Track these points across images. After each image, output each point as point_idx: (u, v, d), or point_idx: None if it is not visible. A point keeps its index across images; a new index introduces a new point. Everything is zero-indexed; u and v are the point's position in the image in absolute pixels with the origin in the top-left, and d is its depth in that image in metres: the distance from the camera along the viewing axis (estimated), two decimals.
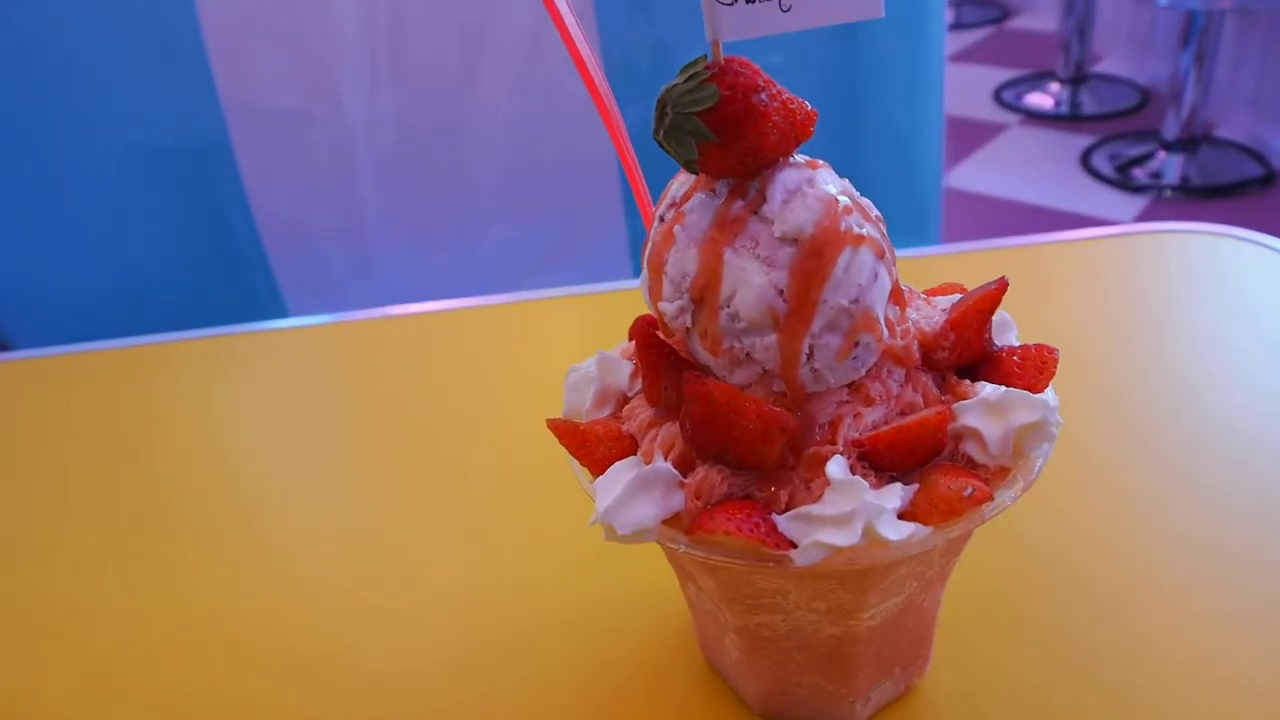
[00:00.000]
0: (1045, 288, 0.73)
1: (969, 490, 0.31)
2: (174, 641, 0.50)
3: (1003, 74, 3.83)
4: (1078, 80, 3.61)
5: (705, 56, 0.31)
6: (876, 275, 0.32)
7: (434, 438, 0.64)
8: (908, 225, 1.23)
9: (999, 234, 0.80)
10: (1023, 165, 3.17)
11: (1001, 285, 0.36)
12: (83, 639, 0.51)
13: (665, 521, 0.32)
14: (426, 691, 0.45)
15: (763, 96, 0.30)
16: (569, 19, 0.38)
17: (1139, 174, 3.08)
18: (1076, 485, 0.53)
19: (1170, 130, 3.08)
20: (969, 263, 0.79)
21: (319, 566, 0.55)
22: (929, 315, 0.36)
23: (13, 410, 0.73)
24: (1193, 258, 0.75)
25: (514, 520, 0.55)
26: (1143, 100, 3.57)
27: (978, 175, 3.04)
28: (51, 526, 0.60)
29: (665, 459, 0.33)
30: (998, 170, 2.98)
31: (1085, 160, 3.17)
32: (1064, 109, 3.53)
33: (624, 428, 0.36)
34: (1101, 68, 3.75)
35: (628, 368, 0.38)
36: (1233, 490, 0.52)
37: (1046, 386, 0.35)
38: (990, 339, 0.37)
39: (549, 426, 0.35)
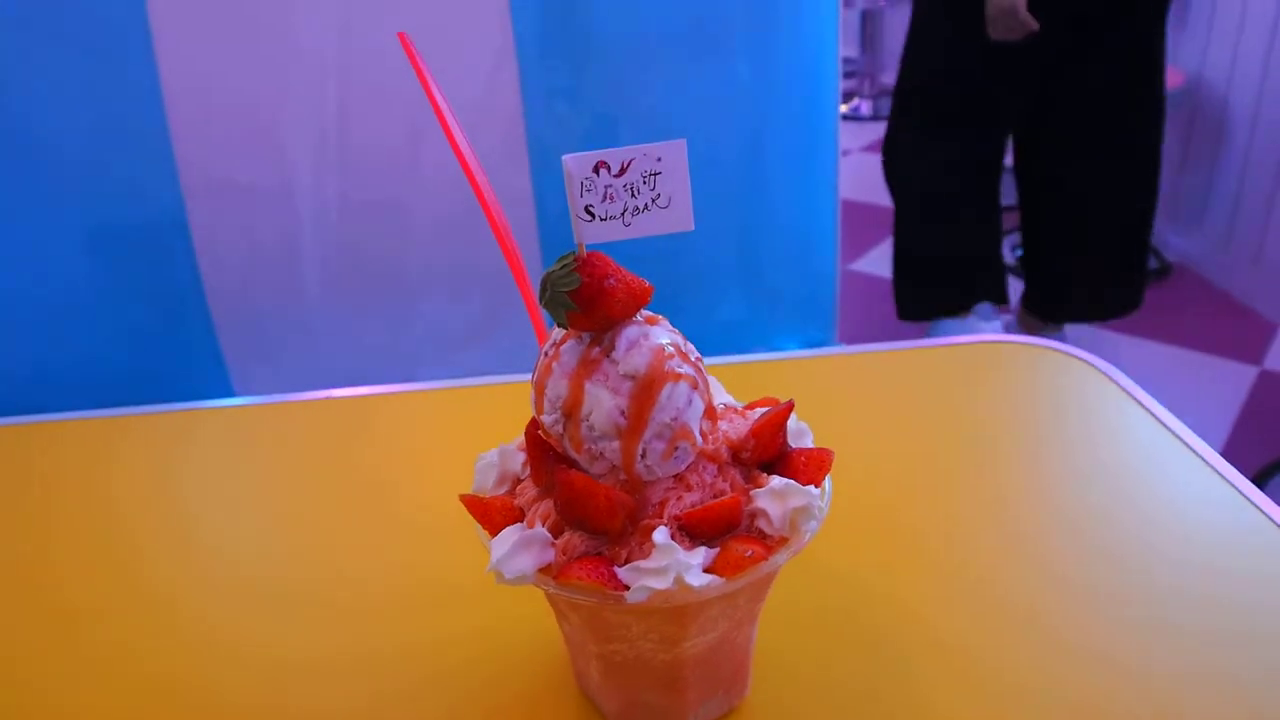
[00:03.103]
0: (901, 386, 0.88)
1: (749, 552, 0.45)
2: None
3: None
4: None
5: (574, 251, 0.45)
6: (691, 401, 0.46)
7: (360, 507, 0.76)
8: (807, 311, 1.36)
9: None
10: None
11: (788, 406, 0.50)
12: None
13: (540, 570, 0.46)
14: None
15: (611, 281, 0.44)
16: (474, 167, 0.52)
17: None
18: (875, 546, 0.67)
19: None
20: (845, 364, 0.94)
21: (237, 619, 0.65)
22: (739, 426, 0.50)
23: None
24: (1025, 370, 0.90)
25: (423, 581, 0.68)
26: None
27: (881, 260, 3.17)
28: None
29: (542, 525, 0.47)
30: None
31: None
32: None
33: (515, 502, 0.49)
34: (1007, 160, 3.94)
35: (520, 457, 0.52)
36: (1005, 550, 0.66)
37: (823, 480, 0.50)
38: (786, 442, 0.51)
39: (461, 500, 0.49)
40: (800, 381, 0.87)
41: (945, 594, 0.63)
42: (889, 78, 4.79)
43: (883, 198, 3.59)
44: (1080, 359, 0.89)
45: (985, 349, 0.95)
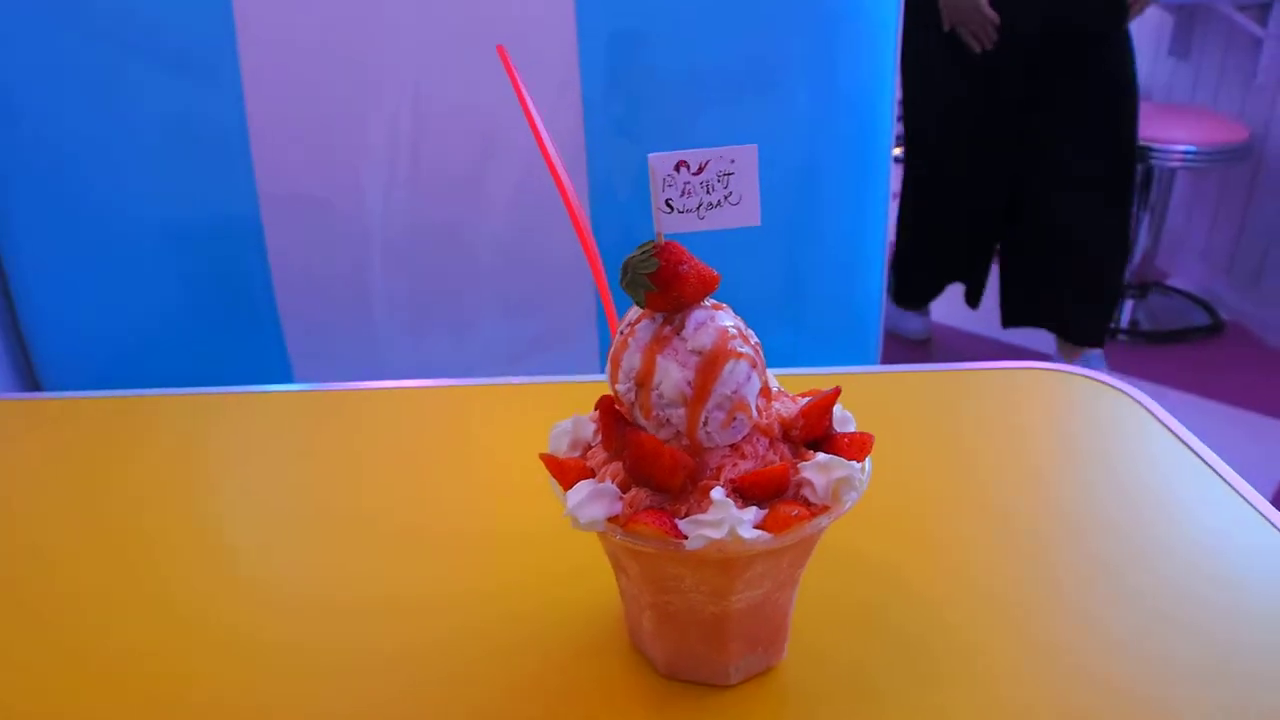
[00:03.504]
0: (940, 406, 0.94)
1: (795, 512, 0.51)
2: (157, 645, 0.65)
3: None
4: None
5: (654, 240, 0.51)
6: (750, 378, 0.53)
7: (416, 486, 0.82)
8: (850, 348, 1.41)
9: (947, 359, 1.00)
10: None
11: (835, 391, 0.56)
12: (75, 628, 0.66)
13: (609, 519, 0.52)
14: (391, 680, 0.61)
15: (685, 267, 0.51)
16: (563, 176, 0.59)
17: None
18: (909, 546, 0.73)
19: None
20: (883, 381, 1.00)
21: (297, 586, 0.70)
22: (790, 407, 0.57)
23: (39, 440, 0.91)
24: (1064, 398, 0.94)
25: (481, 544, 0.74)
26: None
27: (935, 305, 3.20)
28: (49, 542, 0.75)
29: (612, 482, 0.53)
30: (945, 298, 3.13)
31: None
32: None
33: (587, 464, 0.56)
34: None
35: (591, 427, 0.58)
36: (1064, 578, 0.71)
37: (864, 458, 0.56)
38: (831, 426, 0.57)
39: (540, 458, 0.56)
40: (844, 396, 0.91)
41: (971, 603, 0.67)
42: None
43: None
44: (1119, 389, 0.93)
45: (1025, 375, 0.99)
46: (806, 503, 0.53)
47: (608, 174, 1.24)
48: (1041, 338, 3.01)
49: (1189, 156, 2.93)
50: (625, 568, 0.57)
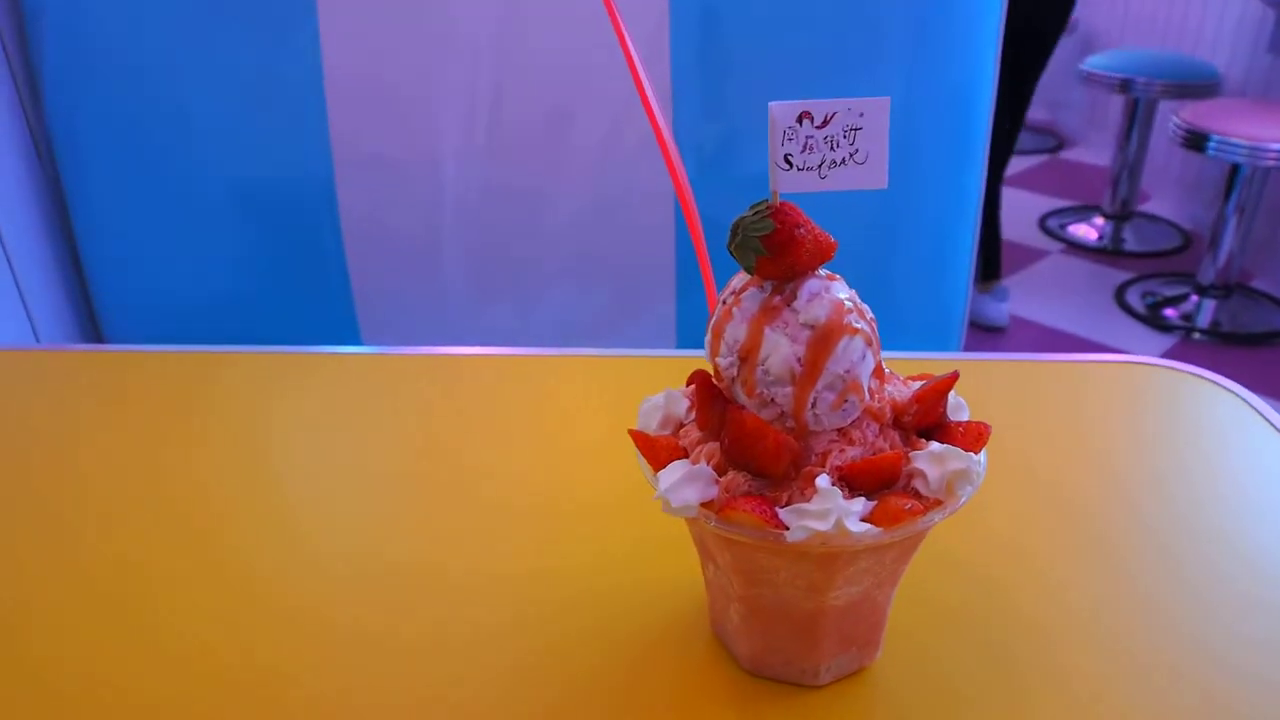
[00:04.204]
0: (1036, 399, 0.88)
1: (909, 505, 0.47)
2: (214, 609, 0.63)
3: (1051, 202, 3.95)
4: (1122, 217, 3.71)
5: (767, 199, 0.47)
6: (864, 356, 0.48)
7: (488, 460, 0.78)
8: (933, 334, 1.36)
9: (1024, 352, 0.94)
10: (1059, 293, 3.26)
11: (953, 375, 0.51)
12: (131, 598, 0.64)
13: (702, 504, 0.48)
14: (467, 659, 0.58)
15: (802, 231, 0.46)
16: (666, 133, 0.54)
17: (1170, 314, 3.16)
18: (1006, 550, 0.68)
19: (1206, 275, 3.16)
20: (975, 368, 0.94)
21: (363, 556, 0.67)
22: (902, 390, 0.52)
23: (101, 393, 0.89)
24: (1183, 397, 0.87)
25: (561, 521, 0.70)
26: (1183, 243, 3.65)
27: (1014, 297, 3.14)
28: (107, 500, 0.73)
29: (707, 464, 0.49)
30: (1033, 295, 3.08)
31: (1120, 295, 3.26)
32: (1106, 243, 3.63)
33: (680, 442, 0.52)
34: (1147, 207, 3.87)
35: (685, 403, 0.54)
36: (1145, 563, 0.66)
37: (980, 450, 0.51)
38: (945, 413, 0.52)
39: (630, 434, 0.51)
40: None
41: (1066, 618, 0.62)
42: (1033, 111, 4.72)
43: (1018, 234, 3.58)
44: (1230, 390, 0.87)
45: (1123, 369, 0.93)
46: (918, 495, 0.49)
47: (690, 145, 1.20)
48: (1120, 332, 2.93)
49: None
50: (714, 556, 0.53)
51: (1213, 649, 0.59)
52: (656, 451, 0.50)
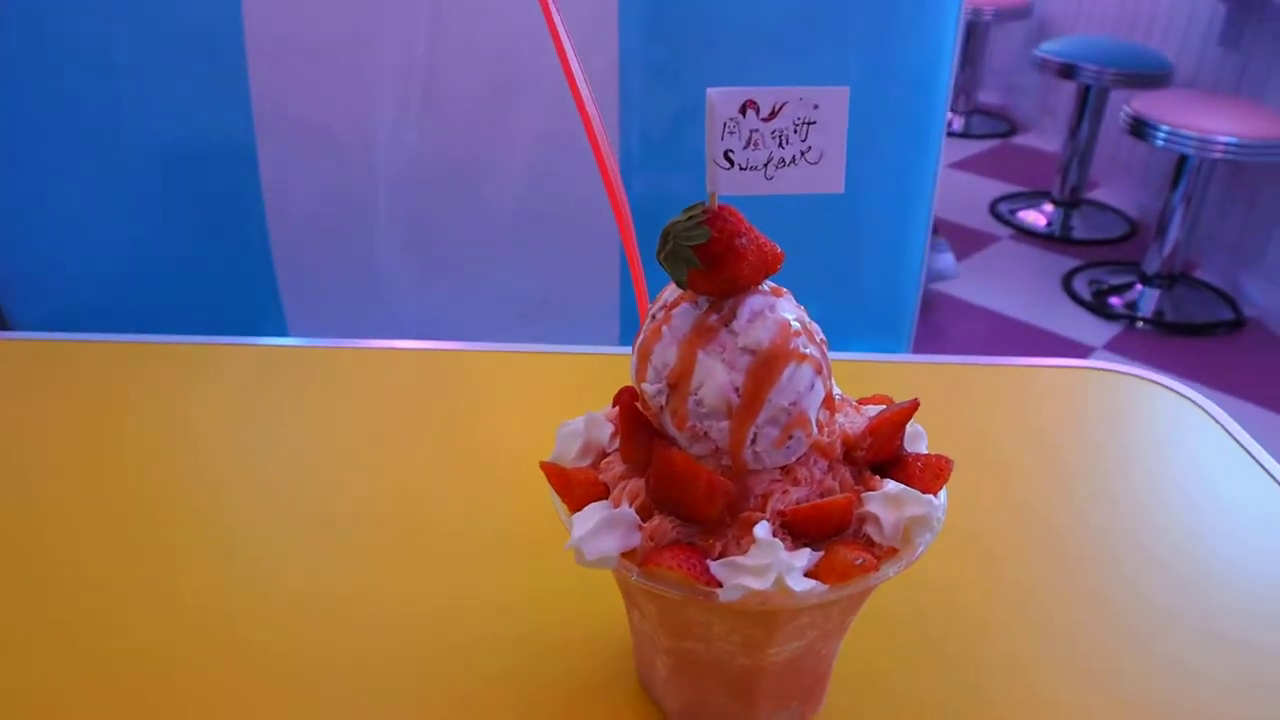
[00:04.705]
0: (985, 405, 0.82)
1: (860, 560, 0.40)
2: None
3: (1002, 187, 3.94)
4: (1072, 204, 3.71)
5: (703, 202, 0.40)
6: (813, 386, 0.41)
7: (412, 469, 0.72)
8: (884, 326, 1.31)
9: (971, 340, 0.89)
10: (1007, 278, 3.25)
11: (913, 404, 0.45)
12: (40, 594, 0.59)
13: (623, 554, 0.41)
14: (367, 697, 0.53)
15: (743, 240, 0.39)
16: (595, 122, 0.48)
17: (1116, 302, 3.16)
18: (972, 574, 0.62)
19: (1151, 264, 3.16)
20: (922, 373, 0.89)
21: (288, 576, 0.61)
22: (854, 420, 0.46)
23: (5, 385, 0.81)
24: (1128, 403, 0.83)
25: (478, 551, 0.63)
26: (1130, 231, 3.66)
27: (961, 281, 3.13)
28: (23, 500, 0.67)
29: (630, 506, 0.42)
30: (982, 280, 3.06)
31: (1067, 282, 3.25)
32: (1054, 229, 3.63)
33: (600, 477, 0.45)
34: (1095, 195, 3.87)
35: (609, 429, 0.47)
36: (1110, 593, 0.61)
37: (940, 489, 0.45)
38: (902, 445, 0.46)
39: (541, 467, 0.44)
40: (878, 386, 0.81)
41: (1027, 630, 0.58)
42: (986, 95, 4.71)
43: (968, 218, 3.55)
44: (1171, 389, 0.83)
45: (1067, 374, 0.89)
46: (870, 544, 0.42)
47: (639, 122, 1.13)
48: (1066, 320, 2.92)
49: (1230, 148, 2.82)
50: (639, 605, 0.47)
51: (1166, 649, 0.55)
52: (572, 489, 0.44)
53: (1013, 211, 3.69)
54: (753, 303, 0.41)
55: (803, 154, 0.39)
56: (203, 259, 1.21)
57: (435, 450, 0.74)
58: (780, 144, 0.39)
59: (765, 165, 0.39)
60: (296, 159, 1.16)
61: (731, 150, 0.39)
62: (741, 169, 0.39)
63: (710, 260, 0.40)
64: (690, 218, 0.40)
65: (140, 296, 1.22)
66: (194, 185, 1.18)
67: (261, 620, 0.58)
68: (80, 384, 0.82)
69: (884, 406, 0.47)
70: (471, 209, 1.21)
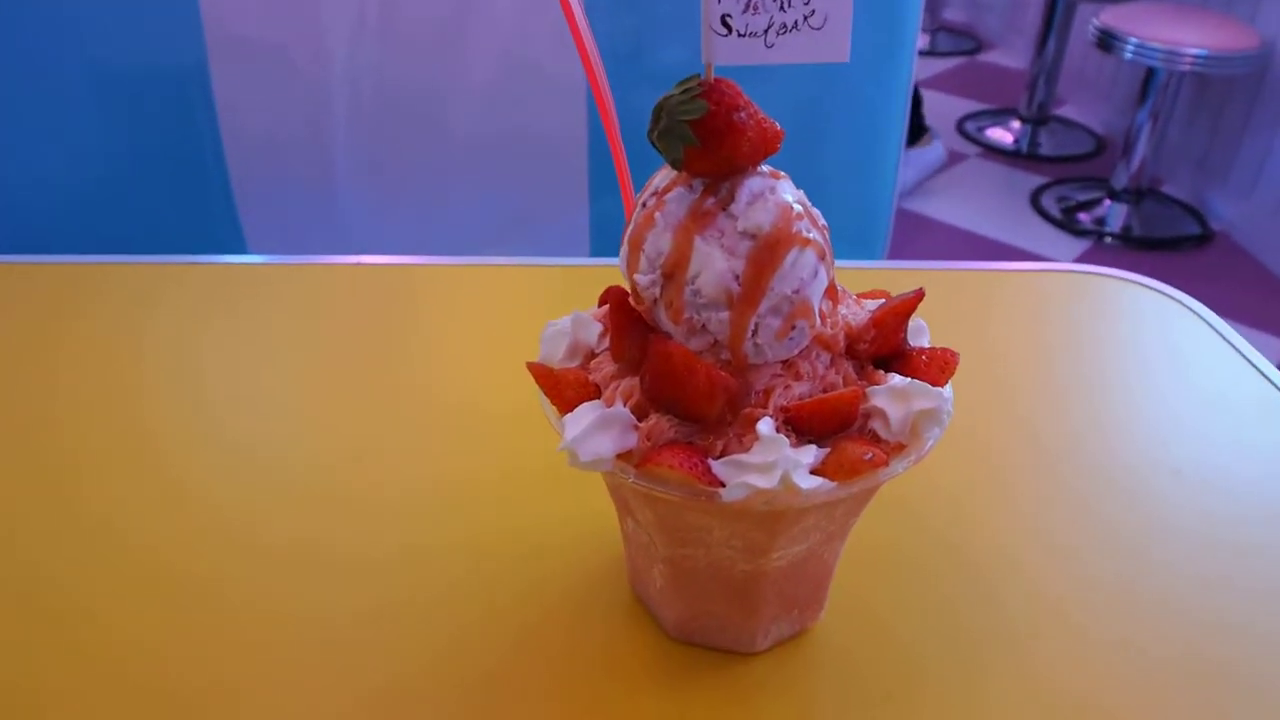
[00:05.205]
0: (971, 309, 0.80)
1: (869, 455, 0.38)
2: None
3: (969, 105, 3.92)
4: (1039, 121, 3.70)
5: (699, 75, 0.37)
6: (817, 273, 0.39)
7: (391, 384, 0.69)
8: (858, 239, 1.30)
9: (942, 258, 0.87)
10: (976, 196, 3.26)
11: (918, 294, 0.43)
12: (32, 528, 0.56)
13: (619, 456, 0.39)
14: (367, 637, 0.50)
15: (742, 115, 0.37)
16: (577, 11, 0.44)
17: (1084, 218, 3.17)
18: (970, 476, 0.60)
19: (1119, 180, 3.17)
20: (906, 279, 0.86)
21: (253, 515, 0.58)
22: (856, 313, 0.43)
23: None
24: (1112, 303, 0.82)
25: (459, 478, 0.60)
26: (1097, 148, 3.66)
27: (930, 200, 3.13)
28: None
29: (624, 405, 0.40)
30: (951, 198, 3.06)
31: (1035, 199, 3.26)
32: (1022, 147, 3.62)
33: (590, 377, 0.43)
34: (1063, 111, 3.85)
35: (597, 328, 0.45)
36: (1104, 500, 0.60)
37: (946, 382, 0.43)
38: (905, 339, 0.44)
39: (528, 368, 0.42)
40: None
41: (1030, 534, 0.57)
42: (950, 13, 4.65)
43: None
44: (1156, 289, 0.82)
45: (1049, 277, 0.87)
46: (877, 439, 0.40)
47: (604, 40, 1.08)
48: (1035, 236, 2.92)
49: (1199, 61, 2.80)
50: (634, 511, 0.44)
51: (1168, 615, 0.53)
52: (562, 390, 0.41)
53: (980, 129, 3.67)
54: (752, 184, 0.39)
55: (806, 18, 0.36)
56: (159, 184, 1.18)
57: (406, 369, 0.72)
58: (782, 7, 0.36)
59: (766, 31, 0.36)
60: (251, 80, 1.12)
61: (729, 15, 0.36)
62: (740, 35, 0.36)
63: (707, 136, 0.37)
64: (685, 91, 0.37)
65: (94, 219, 1.18)
66: (146, 107, 1.14)
67: (227, 562, 0.54)
68: (28, 308, 0.78)
69: (884, 300, 0.45)
70: (432, 130, 1.18)
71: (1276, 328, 2.62)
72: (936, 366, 0.43)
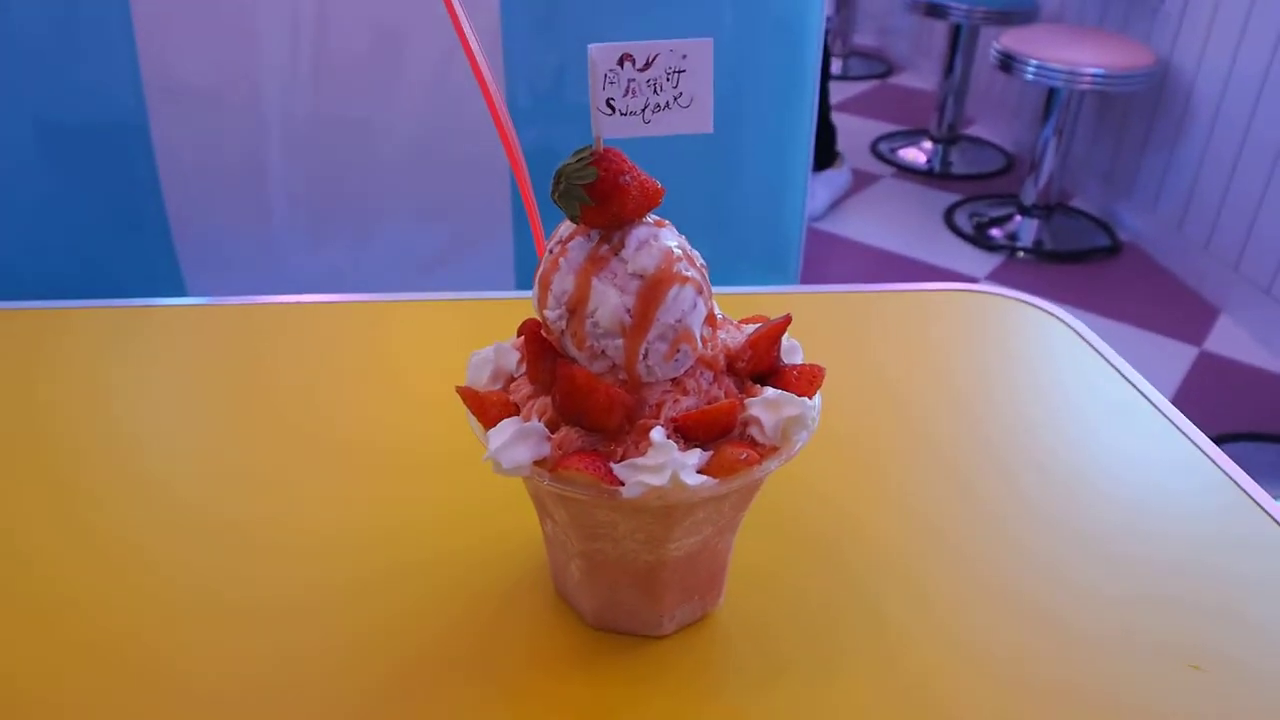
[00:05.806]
0: (868, 327, 0.89)
1: (744, 455, 0.46)
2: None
3: (882, 127, 4.03)
4: (950, 140, 3.82)
5: (590, 145, 0.45)
6: (696, 305, 0.47)
7: (323, 413, 0.75)
8: (771, 261, 1.37)
9: (857, 276, 0.95)
10: (891, 215, 3.35)
11: (786, 319, 0.51)
12: None
13: (535, 463, 0.46)
14: (301, 625, 0.56)
15: (627, 178, 0.44)
16: (484, 68, 0.52)
17: (996, 234, 3.28)
18: (852, 477, 0.68)
19: (1028, 196, 3.28)
20: (808, 302, 0.95)
21: (198, 514, 0.64)
22: (735, 336, 0.51)
23: None
24: (997, 319, 0.91)
25: (395, 480, 0.68)
26: (1006, 165, 3.78)
27: (847, 221, 3.21)
28: None
29: (539, 420, 0.47)
30: (867, 218, 3.15)
31: (948, 216, 3.36)
32: (935, 166, 3.73)
33: (510, 398, 0.50)
34: (972, 130, 3.98)
35: (515, 355, 0.52)
36: (978, 493, 0.68)
37: (815, 393, 0.50)
38: (779, 357, 0.52)
39: (458, 391, 0.49)
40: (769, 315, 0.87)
41: (908, 528, 0.65)
42: (861, 38, 4.80)
43: (850, 158, 3.64)
44: (1041, 308, 0.91)
45: (951, 297, 0.96)
46: (753, 443, 0.48)
47: (524, 75, 1.16)
48: (950, 253, 3.03)
49: (1098, 80, 2.94)
50: (551, 513, 0.52)
51: (1054, 568, 0.61)
52: (486, 409, 0.49)
53: (893, 150, 3.79)
54: (638, 233, 0.46)
55: (675, 99, 0.44)
56: (98, 232, 1.20)
57: (345, 396, 0.77)
58: (655, 91, 0.44)
59: (643, 110, 0.44)
60: (188, 123, 1.16)
61: (612, 98, 0.44)
62: (622, 114, 0.44)
63: (599, 197, 0.45)
64: (579, 159, 0.45)
65: (36, 271, 1.21)
66: (86, 155, 1.16)
67: (174, 547, 0.61)
68: None
69: (761, 324, 0.52)
70: (364, 166, 1.22)
71: (1184, 333, 2.74)
72: (806, 380, 0.51)
